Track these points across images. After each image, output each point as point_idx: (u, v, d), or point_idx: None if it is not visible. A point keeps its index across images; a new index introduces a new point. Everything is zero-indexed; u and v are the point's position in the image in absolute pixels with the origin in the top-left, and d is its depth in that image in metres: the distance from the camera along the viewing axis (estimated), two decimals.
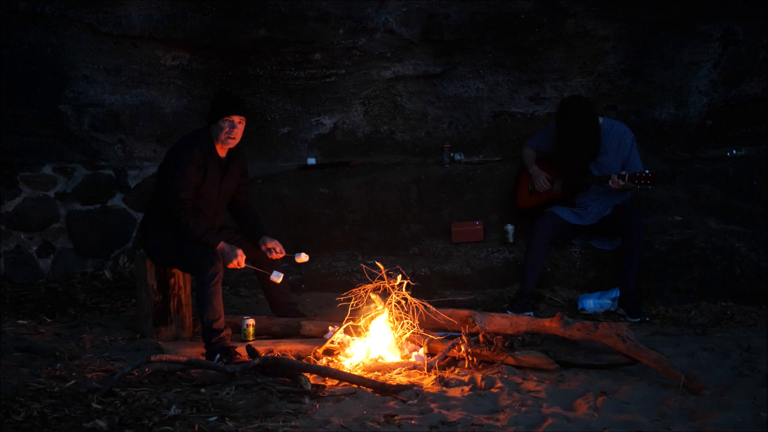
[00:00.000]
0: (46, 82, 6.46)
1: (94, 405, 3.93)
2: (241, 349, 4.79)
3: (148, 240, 5.20)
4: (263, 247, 5.25)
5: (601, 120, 6.03)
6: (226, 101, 5.12)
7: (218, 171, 5.14)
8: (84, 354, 4.88)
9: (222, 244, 5.03)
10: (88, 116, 6.62)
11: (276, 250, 5.25)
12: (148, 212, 5.31)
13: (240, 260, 5.04)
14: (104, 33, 6.36)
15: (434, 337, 4.78)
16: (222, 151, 5.16)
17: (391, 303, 4.78)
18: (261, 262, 5.31)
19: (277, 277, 5.19)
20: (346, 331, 4.88)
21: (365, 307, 4.85)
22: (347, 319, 4.86)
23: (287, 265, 6.01)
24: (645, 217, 6.01)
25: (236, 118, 5.07)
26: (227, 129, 5.06)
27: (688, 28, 6.69)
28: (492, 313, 5.00)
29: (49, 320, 5.58)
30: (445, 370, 4.58)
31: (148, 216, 5.29)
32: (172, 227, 5.06)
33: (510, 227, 6.36)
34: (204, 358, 4.76)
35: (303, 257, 5.29)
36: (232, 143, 5.13)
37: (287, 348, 4.96)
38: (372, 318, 4.83)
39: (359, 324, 4.84)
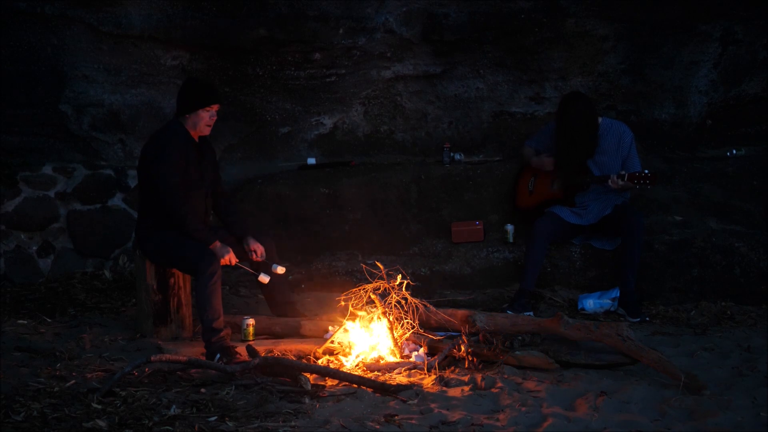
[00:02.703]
0: (46, 82, 6.45)
1: (94, 405, 3.93)
2: (241, 349, 4.79)
3: (145, 243, 5.20)
4: (246, 248, 5.27)
5: (600, 119, 6.04)
6: (205, 90, 5.17)
7: (196, 155, 5.17)
8: (84, 354, 4.88)
9: (216, 243, 5.05)
10: (88, 116, 6.62)
11: (257, 252, 5.27)
12: (140, 216, 5.31)
13: (231, 257, 5.07)
14: (104, 33, 6.35)
15: (434, 337, 4.79)
16: (195, 137, 5.20)
17: (386, 305, 4.79)
18: (259, 261, 5.34)
19: (265, 278, 5.21)
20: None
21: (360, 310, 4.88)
22: (347, 319, 4.87)
23: (288, 264, 6.01)
24: (645, 217, 6.01)
25: (215, 107, 5.13)
26: (207, 119, 5.11)
27: (688, 28, 6.69)
28: (492, 313, 5.01)
29: (49, 320, 5.58)
30: (445, 370, 4.58)
31: (141, 220, 5.29)
32: (168, 220, 5.05)
33: (510, 227, 6.36)
34: (204, 358, 4.76)
35: (279, 269, 5.28)
36: (209, 131, 5.18)
37: (287, 348, 4.96)
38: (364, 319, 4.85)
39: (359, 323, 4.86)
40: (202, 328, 4.90)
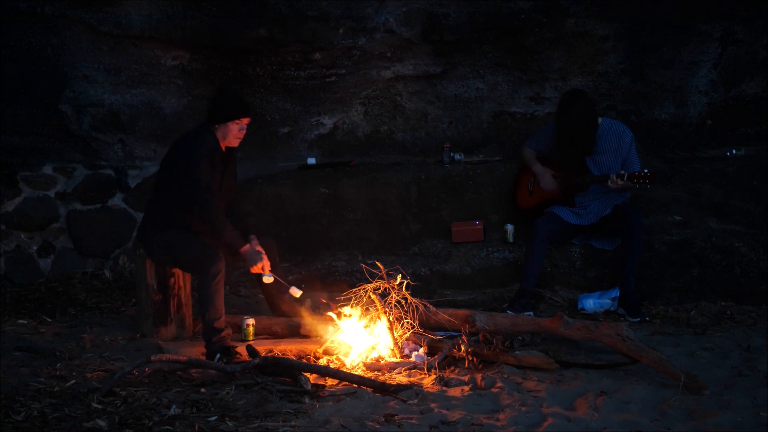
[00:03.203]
0: (46, 82, 6.46)
1: (94, 405, 3.93)
2: (241, 349, 4.79)
3: (150, 239, 5.18)
4: None
5: (600, 120, 6.04)
6: (237, 104, 5.15)
7: (221, 165, 5.16)
8: (84, 354, 4.88)
9: (247, 246, 5.03)
10: (88, 116, 6.62)
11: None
12: (149, 211, 5.28)
13: (265, 264, 5.04)
14: (104, 33, 6.36)
15: (434, 337, 4.79)
16: (223, 147, 5.20)
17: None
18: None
19: (297, 291, 5.15)
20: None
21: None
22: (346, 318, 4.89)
23: (288, 264, 6.01)
24: (645, 217, 6.01)
25: (245, 120, 5.14)
26: (236, 131, 5.12)
27: (688, 28, 6.69)
28: (492, 313, 5.02)
29: (49, 320, 5.58)
30: (445, 369, 4.58)
31: (149, 215, 5.26)
32: (174, 220, 5.04)
33: (510, 227, 6.36)
34: (204, 358, 4.76)
35: (268, 278, 5.20)
36: (237, 142, 5.19)
37: (287, 348, 4.96)
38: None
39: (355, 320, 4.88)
40: (203, 327, 4.90)
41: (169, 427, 3.71)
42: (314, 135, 7.00)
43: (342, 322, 4.90)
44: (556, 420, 3.83)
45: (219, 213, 5.02)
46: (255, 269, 5.05)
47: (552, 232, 5.97)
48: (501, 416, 3.89)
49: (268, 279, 5.15)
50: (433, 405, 4.02)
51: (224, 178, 5.22)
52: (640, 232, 5.82)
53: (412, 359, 4.70)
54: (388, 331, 4.78)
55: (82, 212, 6.67)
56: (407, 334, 4.80)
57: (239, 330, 5.13)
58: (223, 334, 4.84)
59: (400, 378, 4.48)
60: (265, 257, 5.06)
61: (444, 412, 3.94)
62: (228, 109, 5.11)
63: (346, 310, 4.88)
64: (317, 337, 5.03)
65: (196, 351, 4.92)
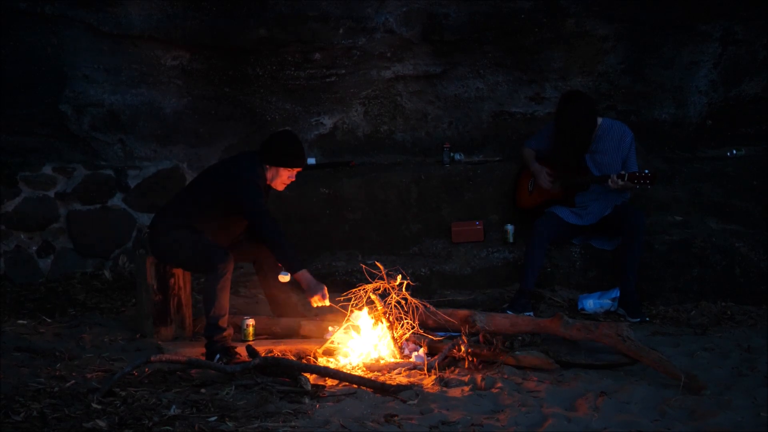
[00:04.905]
0: (46, 82, 6.45)
1: (94, 405, 3.93)
2: (241, 349, 4.79)
3: (161, 238, 5.13)
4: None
5: (600, 120, 6.04)
6: (296, 153, 5.13)
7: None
8: (84, 354, 4.88)
9: (307, 273, 4.97)
10: (88, 116, 6.62)
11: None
12: (168, 209, 5.23)
13: (326, 295, 4.95)
14: (104, 33, 6.36)
15: (434, 338, 4.78)
16: (267, 183, 5.21)
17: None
18: (263, 260, 5.36)
19: (285, 278, 5.11)
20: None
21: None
22: (347, 319, 4.87)
23: None
24: (645, 217, 6.01)
25: (297, 170, 5.15)
26: (285, 178, 5.13)
27: (688, 28, 6.70)
28: (492, 313, 5.01)
29: (49, 320, 5.58)
30: (445, 370, 4.58)
31: (166, 214, 5.19)
32: (188, 223, 5.05)
33: (510, 227, 6.36)
34: (204, 358, 4.76)
35: (284, 277, 5.21)
36: (283, 188, 5.20)
37: (287, 348, 4.96)
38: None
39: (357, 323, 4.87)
40: (206, 324, 4.89)
41: (169, 428, 3.71)
42: (314, 135, 7.00)
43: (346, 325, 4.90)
44: (557, 420, 3.83)
45: (283, 233, 5.01)
46: (313, 300, 4.96)
47: (552, 232, 5.97)
48: (501, 416, 3.89)
49: (284, 277, 5.10)
50: (433, 405, 4.02)
51: None
52: (641, 232, 5.82)
53: (412, 360, 4.70)
54: (388, 331, 4.78)
55: (81, 212, 6.66)
56: (407, 335, 4.80)
57: (239, 330, 5.13)
58: (224, 333, 4.84)
59: (400, 378, 4.48)
60: (325, 289, 4.96)
61: (444, 412, 3.94)
62: (285, 156, 5.10)
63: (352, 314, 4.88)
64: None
65: (196, 351, 4.91)
